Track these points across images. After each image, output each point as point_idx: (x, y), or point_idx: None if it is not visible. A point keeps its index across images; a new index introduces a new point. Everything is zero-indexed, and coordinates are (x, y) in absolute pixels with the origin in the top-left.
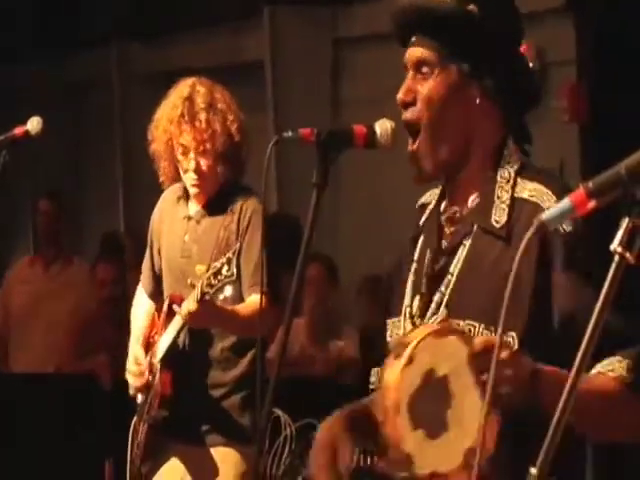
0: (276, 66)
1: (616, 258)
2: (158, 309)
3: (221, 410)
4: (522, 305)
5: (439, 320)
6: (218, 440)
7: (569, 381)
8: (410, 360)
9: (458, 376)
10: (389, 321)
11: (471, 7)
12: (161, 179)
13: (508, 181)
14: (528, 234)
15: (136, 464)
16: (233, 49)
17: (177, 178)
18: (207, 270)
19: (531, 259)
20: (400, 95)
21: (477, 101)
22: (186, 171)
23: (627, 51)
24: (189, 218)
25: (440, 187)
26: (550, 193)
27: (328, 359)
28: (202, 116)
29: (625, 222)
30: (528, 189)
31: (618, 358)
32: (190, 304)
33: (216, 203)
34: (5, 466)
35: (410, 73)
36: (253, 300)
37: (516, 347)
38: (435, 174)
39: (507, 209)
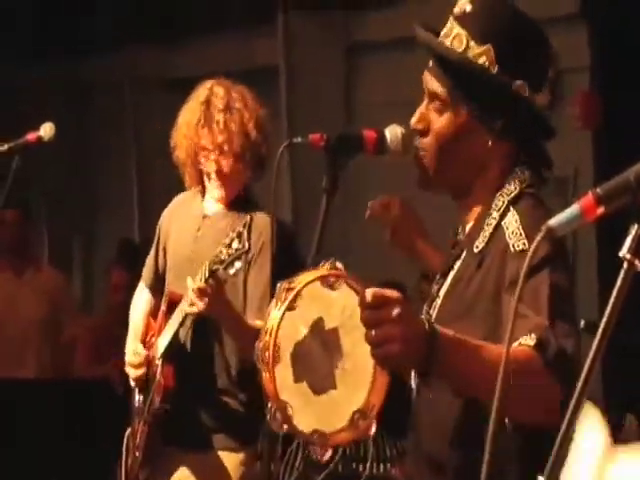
0: (290, 71)
1: (625, 265)
2: (155, 311)
3: (225, 408)
4: (478, 323)
5: (328, 266)
6: (222, 442)
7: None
8: (293, 306)
9: (349, 329)
10: None
11: (483, 59)
12: (187, 184)
13: (499, 209)
14: (537, 240)
15: (135, 469)
16: (247, 54)
17: (201, 182)
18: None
19: (491, 278)
20: (413, 122)
21: (489, 143)
22: (208, 175)
23: None
24: (205, 217)
25: None
26: (517, 217)
27: None
28: (219, 117)
29: (635, 229)
30: (509, 220)
31: (526, 335)
32: (197, 282)
33: (235, 207)
34: (19, 470)
35: (425, 100)
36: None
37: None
38: (438, 190)
39: (488, 236)
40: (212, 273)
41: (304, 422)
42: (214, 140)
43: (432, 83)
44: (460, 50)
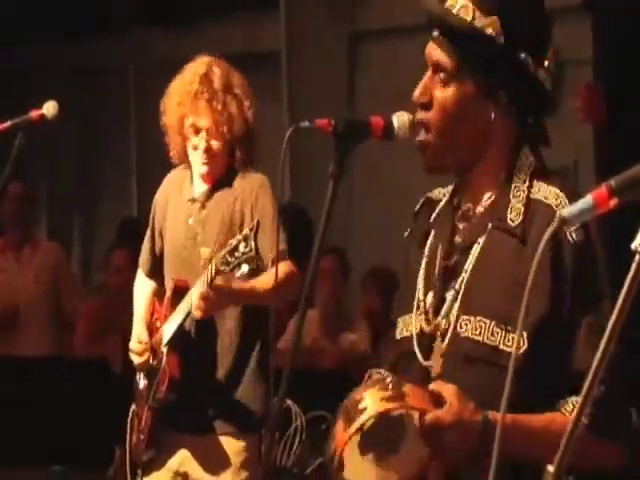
0: (292, 56)
1: (637, 258)
2: (159, 293)
3: (229, 396)
4: (534, 305)
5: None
6: (226, 428)
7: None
8: (360, 428)
9: (409, 418)
10: (400, 319)
11: (490, 31)
12: (171, 153)
13: (524, 182)
14: (549, 230)
15: (139, 450)
16: (250, 38)
17: (186, 156)
18: (211, 254)
19: (545, 262)
20: (416, 94)
21: (492, 116)
22: (195, 148)
23: None
24: (193, 200)
25: (452, 185)
26: (564, 197)
27: (339, 352)
28: (220, 97)
29: None
30: (543, 191)
31: (578, 399)
32: (199, 288)
33: (221, 185)
34: (15, 448)
35: (429, 72)
36: (269, 274)
37: (525, 347)
38: (442, 170)
39: (523, 209)
40: (213, 279)
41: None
42: (213, 117)
43: (437, 53)
44: (468, 20)
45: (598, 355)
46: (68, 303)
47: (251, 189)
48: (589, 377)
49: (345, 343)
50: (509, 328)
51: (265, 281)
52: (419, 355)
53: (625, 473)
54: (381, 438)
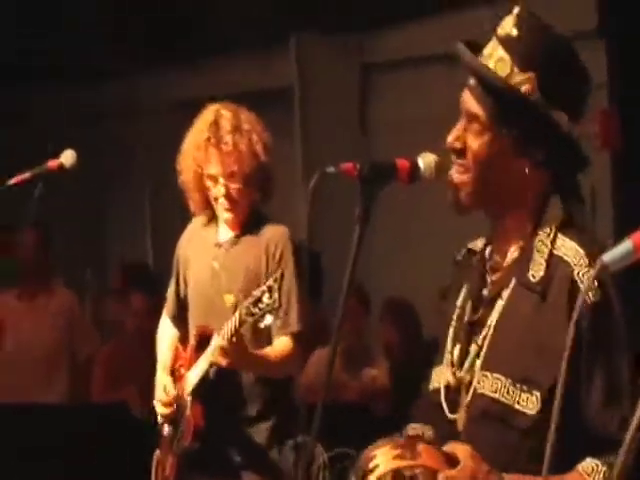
0: (304, 92)
1: None
2: (183, 339)
3: (252, 444)
4: (550, 366)
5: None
6: (251, 477)
7: None
8: None
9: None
10: (434, 370)
11: (526, 87)
12: (192, 210)
13: (548, 236)
14: (591, 276)
15: None
16: (261, 75)
17: (208, 207)
18: (235, 301)
19: (563, 321)
20: (450, 140)
21: (526, 171)
22: (216, 199)
23: None
24: (219, 245)
25: (485, 238)
26: (583, 255)
27: (361, 387)
28: (228, 138)
29: None
30: (565, 247)
31: (597, 462)
32: (220, 340)
33: (247, 232)
34: None
35: (463, 120)
36: (282, 343)
37: (538, 407)
38: (470, 210)
39: (545, 264)
40: (241, 324)
41: None
42: (223, 160)
43: (472, 104)
44: (504, 75)
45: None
46: (83, 350)
47: (276, 245)
48: (624, 447)
49: (366, 378)
50: (525, 388)
51: (274, 352)
52: (445, 408)
53: None
54: None
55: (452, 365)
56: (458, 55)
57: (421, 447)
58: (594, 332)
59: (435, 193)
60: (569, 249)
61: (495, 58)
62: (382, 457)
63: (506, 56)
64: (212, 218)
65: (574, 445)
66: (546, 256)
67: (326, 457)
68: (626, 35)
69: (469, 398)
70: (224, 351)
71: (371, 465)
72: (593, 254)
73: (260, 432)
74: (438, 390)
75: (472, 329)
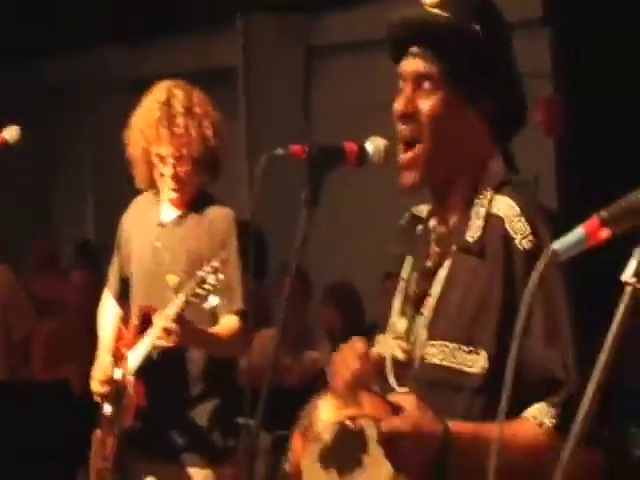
0: (249, 73)
1: (628, 289)
2: (125, 319)
3: (196, 425)
4: (491, 322)
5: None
6: (193, 458)
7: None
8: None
9: (369, 428)
10: (379, 336)
11: (476, 27)
12: (138, 182)
13: (486, 198)
14: (540, 264)
15: (105, 478)
16: (207, 55)
17: (153, 184)
18: (178, 281)
19: (497, 275)
20: (399, 107)
21: (474, 124)
22: (162, 176)
23: (603, 65)
24: (162, 225)
25: (429, 206)
26: (514, 205)
27: (302, 370)
28: (180, 121)
29: (639, 253)
30: (499, 204)
31: (544, 405)
32: (164, 320)
33: (191, 211)
34: None
35: (409, 86)
36: (229, 322)
37: (486, 365)
38: (426, 184)
39: (482, 224)
40: (186, 303)
41: None
42: (173, 142)
43: (418, 64)
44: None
45: (590, 389)
46: (18, 328)
47: (220, 226)
48: (582, 412)
49: (308, 361)
50: (470, 349)
51: (223, 331)
52: (393, 382)
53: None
54: (343, 452)
55: (398, 338)
56: (400, 16)
57: (365, 397)
58: (528, 278)
59: (379, 177)
60: (502, 204)
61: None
62: (324, 408)
63: (448, 14)
64: (156, 196)
65: (524, 396)
66: (483, 217)
67: (268, 440)
68: (570, 24)
69: (417, 369)
70: (169, 331)
71: (313, 419)
72: (523, 203)
73: (203, 413)
74: (381, 360)
75: (417, 301)
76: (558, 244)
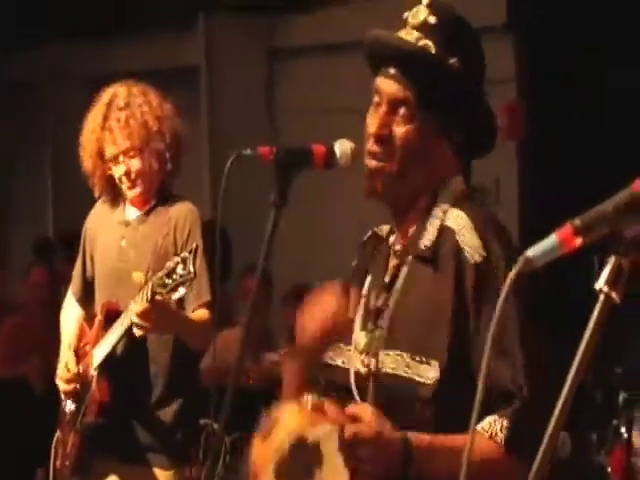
0: (211, 72)
1: (601, 297)
2: (89, 318)
3: (159, 424)
4: (442, 333)
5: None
6: (156, 458)
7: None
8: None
9: (327, 441)
10: (344, 349)
11: (453, 61)
12: (97, 194)
13: (443, 211)
14: (512, 273)
15: (65, 477)
16: (170, 54)
17: (114, 189)
18: (145, 279)
19: (448, 286)
20: (374, 129)
21: (446, 155)
22: (120, 179)
23: (565, 70)
24: (127, 224)
25: (390, 226)
26: (467, 219)
27: (261, 371)
28: (120, 115)
29: (612, 260)
30: (453, 217)
31: (495, 417)
32: (139, 305)
33: (154, 209)
34: None
35: (384, 108)
36: (199, 313)
37: (437, 376)
38: (386, 201)
39: (435, 234)
40: (154, 295)
41: None
42: (116, 139)
43: (396, 89)
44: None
45: (562, 397)
46: None
47: (185, 221)
48: (553, 420)
49: (268, 363)
50: (423, 359)
51: (197, 317)
52: (356, 395)
53: None
54: (297, 467)
55: (360, 352)
56: (378, 39)
57: (327, 407)
58: (477, 291)
59: (342, 180)
60: (457, 218)
61: (421, 43)
62: (288, 417)
63: (428, 42)
64: (119, 198)
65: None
66: (437, 228)
67: (227, 441)
68: (533, 30)
69: (374, 379)
70: (144, 314)
71: (277, 426)
72: (476, 218)
73: (166, 412)
74: (343, 370)
75: (377, 315)
76: (531, 251)
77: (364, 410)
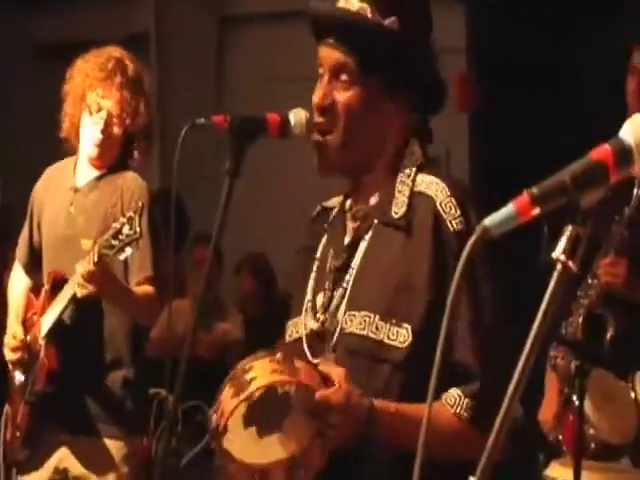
0: (161, 40)
1: (558, 267)
2: (35, 289)
3: (108, 393)
4: (418, 298)
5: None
6: (107, 429)
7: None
8: (247, 399)
9: (297, 397)
10: (289, 323)
11: (390, 21)
12: (64, 126)
13: (409, 176)
14: (471, 240)
15: (16, 449)
16: (119, 21)
17: (76, 136)
18: (94, 244)
19: (426, 252)
20: (317, 100)
21: (392, 115)
22: (93, 124)
23: (516, 42)
24: (76, 190)
25: (340, 198)
26: (445, 186)
27: (213, 341)
28: (131, 88)
29: (569, 230)
30: (425, 182)
31: (459, 392)
32: (85, 266)
33: (107, 177)
34: None
35: (326, 77)
36: (142, 287)
37: (410, 340)
38: (339, 171)
39: (407, 201)
40: (100, 257)
41: (235, 449)
42: (119, 102)
43: (336, 56)
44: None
45: (517, 371)
46: None
47: (132, 193)
48: (508, 394)
49: (218, 332)
50: (394, 321)
51: (141, 290)
52: (308, 354)
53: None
54: (265, 413)
55: (315, 312)
56: (315, 11)
57: (299, 364)
58: (457, 260)
59: (295, 150)
60: (430, 183)
61: (355, 7)
62: (259, 370)
63: (365, 5)
64: (72, 161)
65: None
66: (407, 194)
67: (179, 410)
68: (485, 0)
69: (335, 340)
70: (89, 275)
71: (247, 377)
72: (451, 185)
73: (116, 381)
74: (298, 339)
75: (336, 276)
76: (489, 220)
77: (336, 372)
